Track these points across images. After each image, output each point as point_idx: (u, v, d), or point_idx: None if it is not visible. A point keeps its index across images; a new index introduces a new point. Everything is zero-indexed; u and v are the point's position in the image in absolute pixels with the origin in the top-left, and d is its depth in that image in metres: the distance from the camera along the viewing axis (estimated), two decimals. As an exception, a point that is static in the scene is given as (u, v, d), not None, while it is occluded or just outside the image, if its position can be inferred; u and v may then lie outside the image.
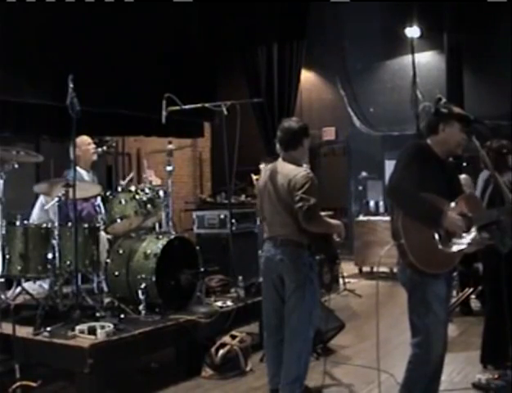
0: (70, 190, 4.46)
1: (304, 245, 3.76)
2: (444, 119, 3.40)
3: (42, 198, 5.42)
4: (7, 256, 4.57)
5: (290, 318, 3.81)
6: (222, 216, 6.31)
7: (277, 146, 3.96)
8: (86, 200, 5.25)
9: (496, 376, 4.23)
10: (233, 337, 4.79)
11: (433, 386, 3.47)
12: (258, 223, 6.31)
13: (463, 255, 3.32)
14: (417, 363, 3.33)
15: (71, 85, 4.30)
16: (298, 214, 3.69)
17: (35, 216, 5.43)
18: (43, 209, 5.32)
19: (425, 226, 3.21)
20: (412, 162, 3.27)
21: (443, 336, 3.35)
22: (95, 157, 5.64)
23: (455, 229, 3.24)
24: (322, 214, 3.97)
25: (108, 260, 4.91)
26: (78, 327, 4.03)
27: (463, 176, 5.92)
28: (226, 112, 5.30)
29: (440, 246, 3.22)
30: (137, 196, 5.01)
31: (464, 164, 6.87)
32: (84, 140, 5.60)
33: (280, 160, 3.94)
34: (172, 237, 4.93)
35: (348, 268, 9.04)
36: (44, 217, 5.27)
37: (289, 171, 3.79)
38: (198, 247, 5.07)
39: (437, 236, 3.22)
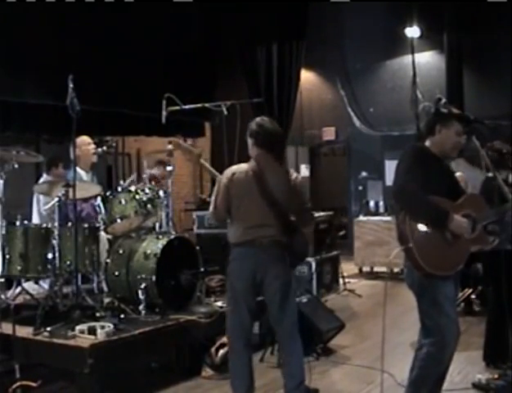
0: (70, 190, 4.46)
1: (285, 245, 3.71)
2: (441, 121, 3.41)
3: (35, 199, 5.46)
4: (7, 256, 4.57)
5: (283, 323, 3.74)
6: (222, 216, 6.28)
7: (256, 147, 3.76)
8: (85, 200, 5.25)
9: (496, 376, 4.23)
10: (233, 337, 4.78)
11: (439, 384, 3.48)
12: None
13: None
14: (431, 361, 3.34)
15: (71, 85, 4.30)
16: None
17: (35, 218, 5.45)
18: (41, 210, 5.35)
19: (431, 228, 3.22)
20: (414, 164, 3.28)
21: (456, 334, 3.37)
22: (95, 158, 5.63)
23: (461, 231, 3.25)
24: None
25: (108, 260, 4.91)
26: (78, 327, 4.03)
27: (458, 174, 5.91)
28: (226, 112, 5.30)
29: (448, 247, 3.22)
30: (137, 196, 5.01)
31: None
32: (84, 140, 5.59)
33: (263, 159, 3.73)
34: (172, 237, 4.93)
35: (348, 268, 9.02)
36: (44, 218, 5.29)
37: (285, 172, 3.76)
38: (198, 247, 5.07)
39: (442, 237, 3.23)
